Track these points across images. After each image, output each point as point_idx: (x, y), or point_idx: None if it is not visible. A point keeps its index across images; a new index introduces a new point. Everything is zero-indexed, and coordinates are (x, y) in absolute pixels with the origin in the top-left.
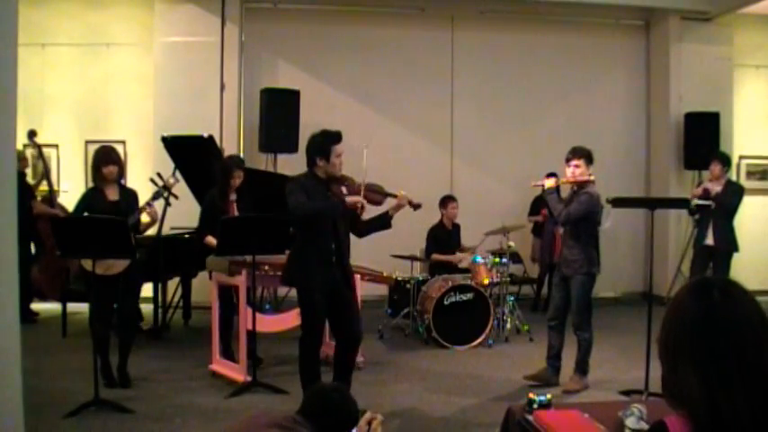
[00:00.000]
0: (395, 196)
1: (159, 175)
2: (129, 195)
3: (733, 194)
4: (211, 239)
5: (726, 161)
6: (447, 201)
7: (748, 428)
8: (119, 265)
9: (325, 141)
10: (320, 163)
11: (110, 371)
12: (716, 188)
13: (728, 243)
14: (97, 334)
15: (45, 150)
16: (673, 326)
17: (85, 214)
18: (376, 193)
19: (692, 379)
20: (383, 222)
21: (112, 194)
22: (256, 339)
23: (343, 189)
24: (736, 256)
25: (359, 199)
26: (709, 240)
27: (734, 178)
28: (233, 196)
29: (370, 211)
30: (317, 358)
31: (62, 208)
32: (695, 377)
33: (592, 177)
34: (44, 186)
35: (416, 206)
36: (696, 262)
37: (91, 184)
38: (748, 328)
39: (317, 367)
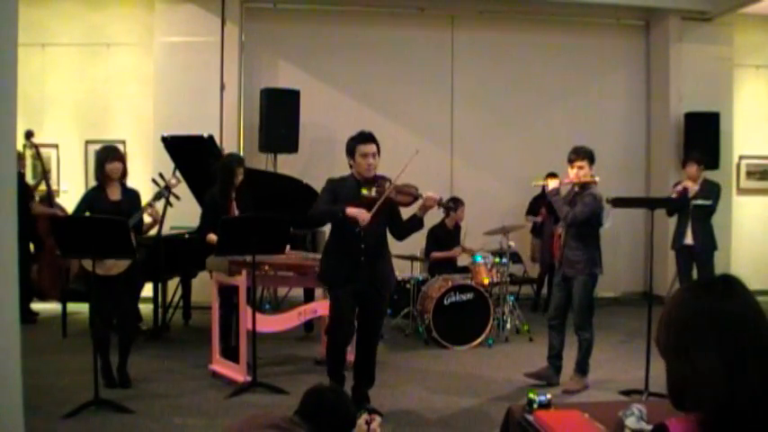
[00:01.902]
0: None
1: (161, 175)
2: (131, 195)
3: (710, 194)
4: (213, 237)
5: (702, 162)
6: (459, 204)
7: (763, 415)
8: (119, 266)
9: (351, 141)
10: (350, 162)
11: (110, 371)
12: (694, 188)
13: (708, 243)
14: (97, 334)
15: (45, 150)
16: (680, 319)
17: (87, 214)
18: (404, 195)
19: (708, 365)
20: (414, 224)
21: (114, 194)
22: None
23: (373, 190)
24: (735, 255)
25: (360, 216)
26: (689, 240)
27: (734, 178)
28: (232, 194)
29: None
30: (341, 357)
31: (61, 208)
32: (711, 364)
33: (596, 179)
34: (42, 186)
35: (447, 207)
36: (680, 262)
37: (92, 184)
38: (758, 313)
39: (340, 366)
